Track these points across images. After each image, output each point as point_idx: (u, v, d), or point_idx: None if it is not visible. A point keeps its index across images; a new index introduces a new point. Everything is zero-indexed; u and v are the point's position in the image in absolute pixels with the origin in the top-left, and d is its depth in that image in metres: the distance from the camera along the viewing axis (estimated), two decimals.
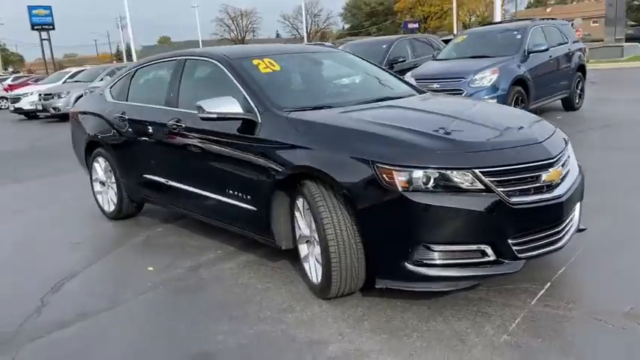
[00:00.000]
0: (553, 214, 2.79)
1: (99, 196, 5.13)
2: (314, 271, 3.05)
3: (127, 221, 4.99)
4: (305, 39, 61.33)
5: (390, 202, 2.59)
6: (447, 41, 11.86)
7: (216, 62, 3.80)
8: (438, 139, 2.78)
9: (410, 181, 2.56)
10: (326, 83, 4.26)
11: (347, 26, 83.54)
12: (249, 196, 3.35)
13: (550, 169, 2.77)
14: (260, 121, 3.26)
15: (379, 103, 3.59)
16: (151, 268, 3.78)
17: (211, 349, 2.65)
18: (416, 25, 52.25)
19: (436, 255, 2.61)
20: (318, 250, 2.91)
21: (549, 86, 8.89)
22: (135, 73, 4.79)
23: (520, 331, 2.59)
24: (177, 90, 4.04)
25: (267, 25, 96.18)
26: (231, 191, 3.48)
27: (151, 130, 4.15)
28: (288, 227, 3.24)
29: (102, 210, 5.12)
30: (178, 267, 3.77)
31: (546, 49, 8.60)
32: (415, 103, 3.70)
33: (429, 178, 2.56)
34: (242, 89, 3.47)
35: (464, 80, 7.73)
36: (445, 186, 2.56)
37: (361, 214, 2.69)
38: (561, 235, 2.87)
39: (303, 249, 3.17)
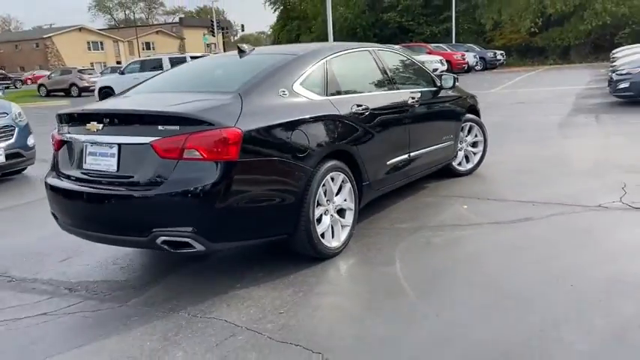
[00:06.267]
0: None
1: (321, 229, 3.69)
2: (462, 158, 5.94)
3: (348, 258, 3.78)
4: None
5: None
6: None
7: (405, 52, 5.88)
8: None
9: None
10: None
11: None
12: (451, 135, 5.47)
13: None
14: (439, 86, 5.45)
15: None
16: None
17: None
18: None
19: None
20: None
21: None
22: (327, 62, 4.29)
23: None
24: (388, 74, 4.94)
25: None
26: (445, 137, 5.38)
27: (391, 115, 4.71)
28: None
29: (322, 250, 3.68)
30: None
31: None
32: None
33: None
34: (428, 73, 5.52)
35: None
36: None
37: None
38: None
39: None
